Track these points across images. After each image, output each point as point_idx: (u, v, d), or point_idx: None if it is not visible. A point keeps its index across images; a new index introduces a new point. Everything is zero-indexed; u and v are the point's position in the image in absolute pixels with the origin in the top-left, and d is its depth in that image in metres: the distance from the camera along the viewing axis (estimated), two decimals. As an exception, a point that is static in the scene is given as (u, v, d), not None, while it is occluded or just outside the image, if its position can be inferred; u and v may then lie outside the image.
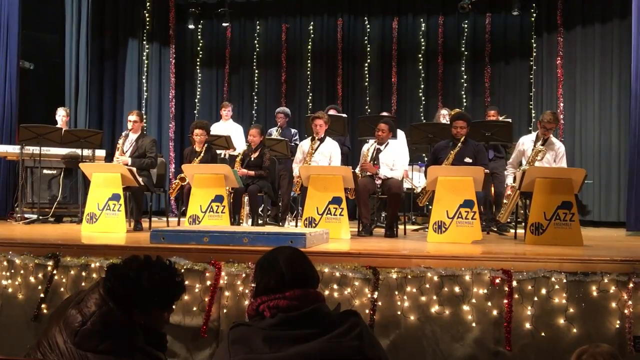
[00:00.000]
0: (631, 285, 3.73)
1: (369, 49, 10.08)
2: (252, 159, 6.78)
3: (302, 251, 2.20)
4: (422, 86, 9.91)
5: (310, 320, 1.95)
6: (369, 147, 6.27)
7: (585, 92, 8.80)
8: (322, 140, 6.49)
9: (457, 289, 3.85)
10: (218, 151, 7.46)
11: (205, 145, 6.65)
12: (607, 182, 8.53)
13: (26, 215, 7.15)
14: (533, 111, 9.40)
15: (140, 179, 6.03)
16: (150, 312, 2.22)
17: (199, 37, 10.56)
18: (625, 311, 3.71)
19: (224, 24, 10.30)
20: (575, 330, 3.75)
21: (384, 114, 8.13)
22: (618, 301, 3.75)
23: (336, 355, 1.88)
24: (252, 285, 3.87)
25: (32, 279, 4.27)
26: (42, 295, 4.21)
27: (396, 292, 3.89)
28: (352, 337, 1.93)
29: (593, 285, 3.78)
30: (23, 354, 2.34)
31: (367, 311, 3.83)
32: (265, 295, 2.02)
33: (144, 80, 9.78)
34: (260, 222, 6.84)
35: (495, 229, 6.49)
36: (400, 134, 6.31)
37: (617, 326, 3.74)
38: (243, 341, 1.91)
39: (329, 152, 6.48)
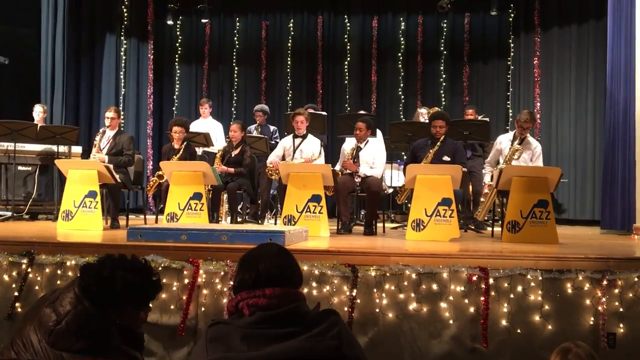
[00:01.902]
0: (605, 282, 3.79)
1: (348, 47, 10.11)
2: (233, 155, 6.75)
3: (288, 250, 2.17)
4: (402, 85, 9.96)
5: (289, 319, 1.94)
6: (352, 145, 6.27)
7: (562, 92, 8.93)
8: (304, 137, 6.49)
9: (434, 287, 3.88)
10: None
11: (184, 142, 6.60)
12: (582, 181, 8.67)
13: (0, 213, 7.04)
14: (510, 110, 9.52)
15: (117, 176, 5.96)
16: (126, 311, 2.19)
17: (178, 33, 10.46)
18: (599, 308, 3.77)
19: (203, 20, 10.21)
20: (550, 327, 3.80)
21: (361, 112, 8.13)
22: (592, 298, 3.81)
23: (314, 354, 1.87)
24: (230, 282, 3.86)
25: (6, 277, 4.20)
26: (16, 293, 4.14)
27: (375, 290, 3.91)
28: (331, 336, 1.92)
29: (568, 282, 3.84)
30: (-4, 353, 2.30)
31: (345, 309, 3.84)
32: (244, 291, 2.01)
33: (121, 76, 9.67)
34: (239, 220, 6.81)
35: (473, 227, 6.55)
36: (378, 133, 6.35)
37: (591, 323, 3.79)
38: (221, 339, 1.89)
39: (311, 149, 6.47)
